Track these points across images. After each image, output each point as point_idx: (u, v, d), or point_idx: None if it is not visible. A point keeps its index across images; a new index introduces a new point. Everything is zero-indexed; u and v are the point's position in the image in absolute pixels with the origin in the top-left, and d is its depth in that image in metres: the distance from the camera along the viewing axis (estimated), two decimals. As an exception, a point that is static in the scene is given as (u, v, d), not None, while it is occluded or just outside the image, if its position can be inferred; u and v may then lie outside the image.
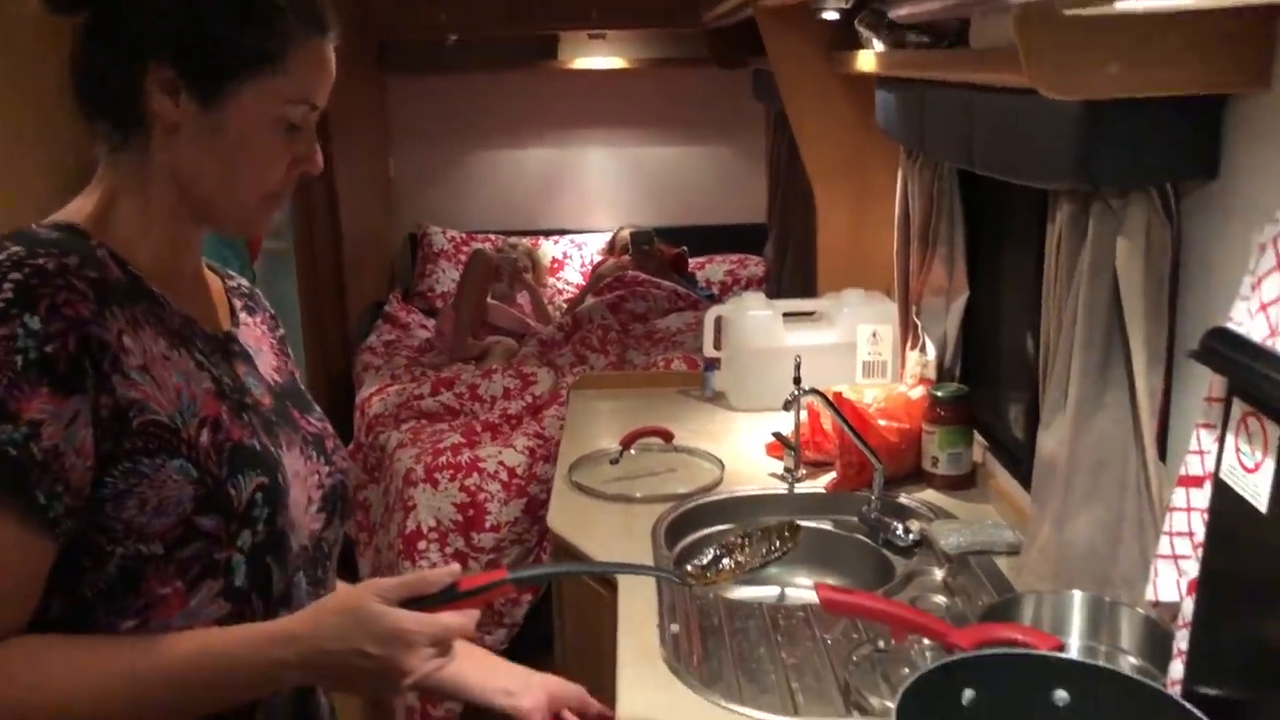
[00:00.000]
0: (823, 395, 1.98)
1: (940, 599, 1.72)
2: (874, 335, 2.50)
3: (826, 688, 1.46)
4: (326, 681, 1.08)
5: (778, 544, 1.24)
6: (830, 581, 1.77)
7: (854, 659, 1.50)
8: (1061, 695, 1.08)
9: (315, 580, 1.10)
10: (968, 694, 1.09)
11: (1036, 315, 1.55)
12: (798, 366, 2.03)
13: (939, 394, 2.05)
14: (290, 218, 4.16)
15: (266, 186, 1.03)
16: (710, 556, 1.26)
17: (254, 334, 1.15)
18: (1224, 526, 1.07)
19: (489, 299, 4.12)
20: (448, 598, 1.03)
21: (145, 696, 0.94)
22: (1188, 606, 1.12)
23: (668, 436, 2.30)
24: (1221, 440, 1.06)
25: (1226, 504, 1.05)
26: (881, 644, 1.52)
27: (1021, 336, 1.98)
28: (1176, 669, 1.14)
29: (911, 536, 1.88)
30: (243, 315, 1.15)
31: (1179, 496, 1.15)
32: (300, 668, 0.96)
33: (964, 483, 2.06)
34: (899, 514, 1.97)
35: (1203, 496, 1.11)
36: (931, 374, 2.23)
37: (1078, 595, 1.36)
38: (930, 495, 2.04)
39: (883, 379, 2.47)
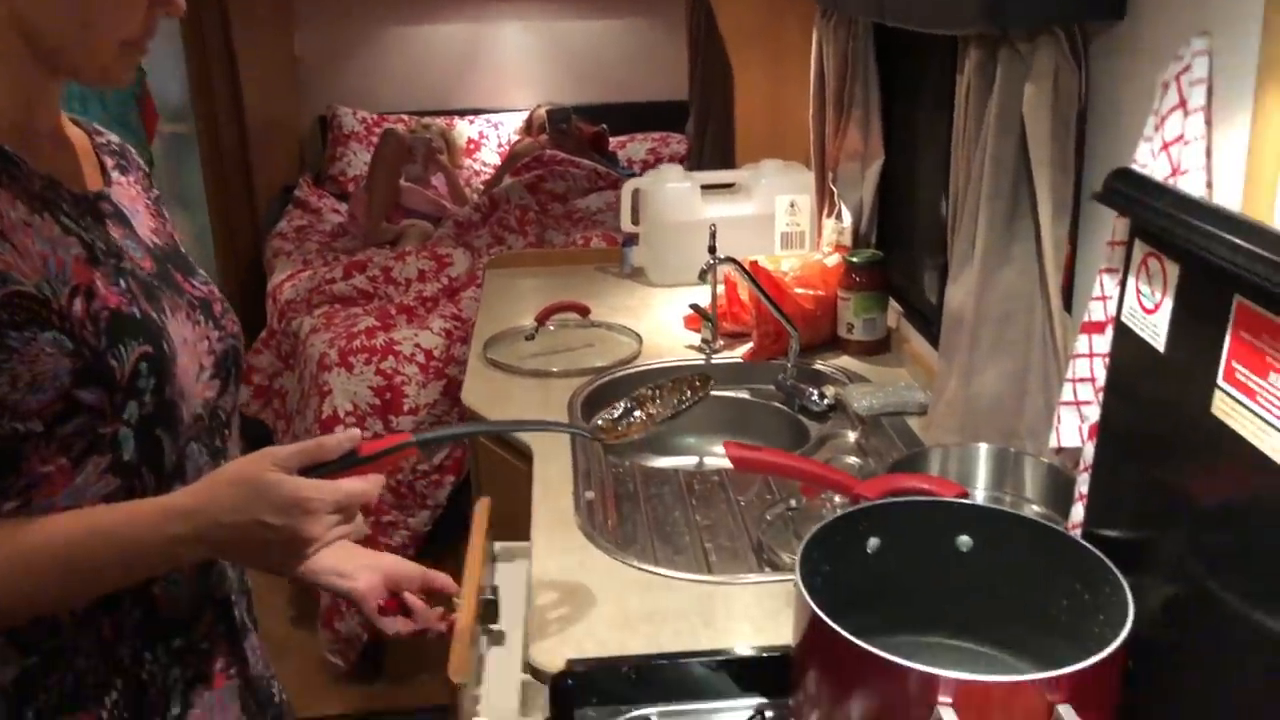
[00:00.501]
0: (738, 264, 1.95)
1: (853, 460, 1.73)
2: (792, 206, 2.48)
3: (740, 547, 1.47)
4: (227, 555, 1.05)
5: (689, 394, 1.22)
6: (746, 447, 1.78)
7: (767, 518, 1.51)
8: (965, 540, 1.09)
9: (214, 451, 1.06)
10: (872, 542, 1.10)
11: (949, 177, 1.53)
12: (713, 235, 2.00)
13: (854, 260, 2.05)
14: (189, 99, 3.97)
15: (123, 32, 0.95)
16: (621, 410, 1.24)
17: (128, 194, 1.08)
18: (1124, 369, 1.07)
19: (402, 181, 4.01)
20: (349, 463, 0.99)
21: (31, 582, 0.90)
22: (1089, 451, 1.14)
23: (584, 311, 2.27)
24: (1123, 284, 1.06)
25: (1126, 346, 1.05)
26: (794, 503, 1.53)
27: (936, 201, 1.97)
28: (1077, 512, 1.16)
29: (826, 401, 1.89)
30: (115, 174, 1.08)
31: (1082, 343, 1.16)
32: (197, 543, 0.93)
33: (879, 348, 2.07)
34: (814, 380, 1.97)
35: (1105, 342, 1.11)
36: (847, 241, 2.22)
37: (983, 448, 1.37)
38: (845, 361, 2.05)
39: (801, 250, 2.46)
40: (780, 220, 2.48)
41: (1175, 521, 0.99)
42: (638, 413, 1.24)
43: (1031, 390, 1.35)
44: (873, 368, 2.02)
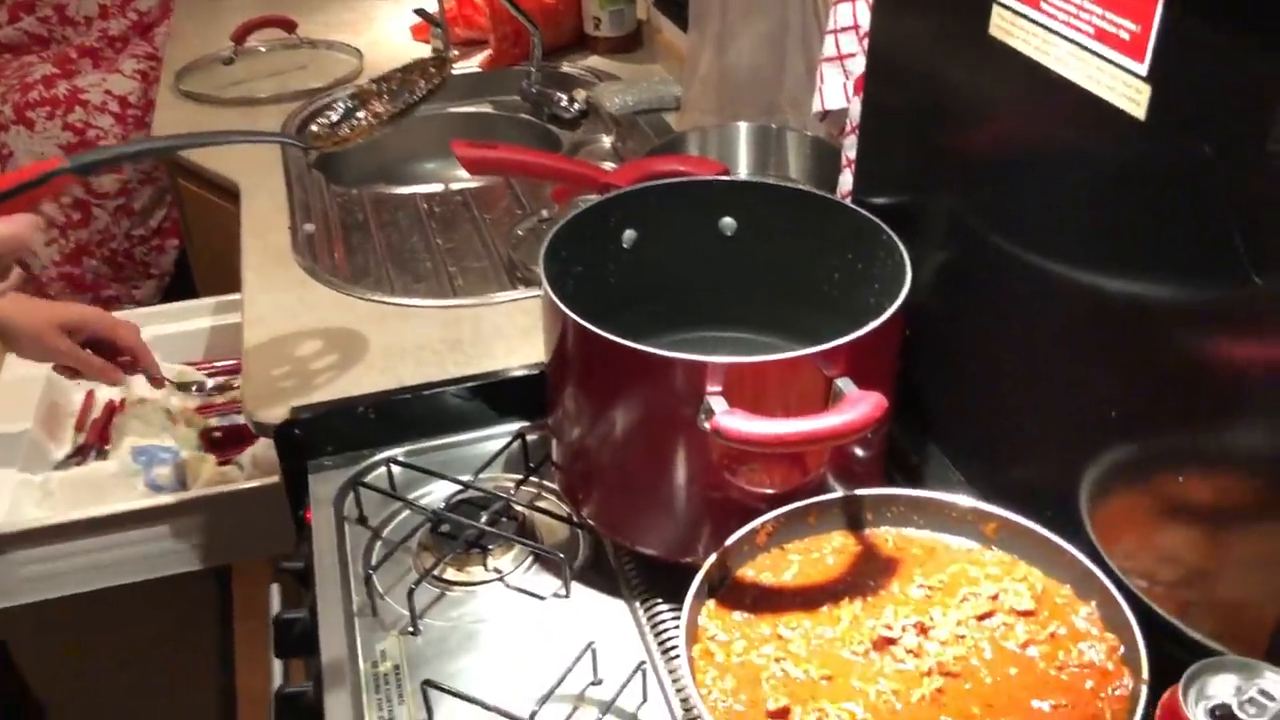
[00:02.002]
0: (462, -48, 1.70)
1: (610, 165, 1.58)
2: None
3: (489, 267, 1.32)
4: None
5: (422, 84, 1.03)
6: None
7: (518, 233, 1.36)
8: (728, 222, 0.97)
9: None
10: (628, 234, 0.96)
11: None
12: (424, -83, 1.72)
13: (593, -57, 1.82)
14: None
15: None
16: (341, 111, 1.03)
17: None
18: (888, 8, 0.94)
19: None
20: None
21: None
22: (855, 109, 1.02)
23: (290, 26, 1.97)
24: (886, -95, 0.91)
25: (892, -21, 0.92)
26: (545, 214, 1.38)
27: None
28: (845, 181, 1.05)
29: (576, 106, 1.72)
30: None
31: (842, -13, 1.02)
32: None
33: (629, 44, 1.89)
34: (562, 85, 1.79)
35: (867, -18, 0.97)
36: (585, -76, 1.98)
37: (743, 126, 1.25)
38: (595, 61, 1.87)
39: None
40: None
41: (949, 176, 0.89)
42: (361, 113, 1.03)
43: (791, 54, 1.21)
44: (624, 65, 1.84)
